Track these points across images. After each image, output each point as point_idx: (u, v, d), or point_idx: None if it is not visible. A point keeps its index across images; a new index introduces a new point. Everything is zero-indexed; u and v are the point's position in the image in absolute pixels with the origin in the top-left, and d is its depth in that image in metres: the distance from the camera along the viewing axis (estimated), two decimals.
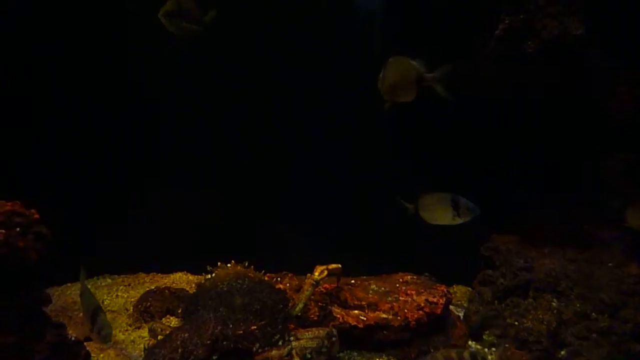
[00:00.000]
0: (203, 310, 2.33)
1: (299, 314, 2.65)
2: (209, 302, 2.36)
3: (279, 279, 2.97)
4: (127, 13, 3.28)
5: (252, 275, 2.55)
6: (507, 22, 3.10)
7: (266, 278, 2.66)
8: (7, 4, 3.52)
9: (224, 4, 3.39)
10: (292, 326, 2.57)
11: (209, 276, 2.55)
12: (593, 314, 2.86)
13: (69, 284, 3.83)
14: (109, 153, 3.84)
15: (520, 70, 3.15)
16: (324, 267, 2.74)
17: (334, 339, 2.48)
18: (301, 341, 2.43)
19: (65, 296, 3.62)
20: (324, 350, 2.43)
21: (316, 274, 2.69)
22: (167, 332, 2.51)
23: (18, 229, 2.18)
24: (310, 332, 2.49)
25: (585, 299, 2.89)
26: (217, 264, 2.62)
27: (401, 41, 3.82)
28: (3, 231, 2.12)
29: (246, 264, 2.62)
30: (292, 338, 2.42)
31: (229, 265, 2.60)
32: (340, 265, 2.83)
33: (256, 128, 3.83)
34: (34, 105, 3.70)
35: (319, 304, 2.83)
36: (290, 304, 2.59)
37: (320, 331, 2.49)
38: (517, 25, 3.08)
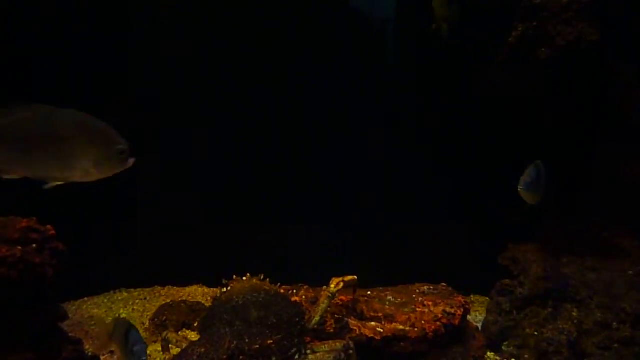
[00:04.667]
0: (219, 324, 2.32)
1: (316, 327, 2.63)
2: (224, 316, 2.35)
3: (294, 291, 2.95)
4: None
5: (268, 288, 2.52)
6: (520, 29, 3.09)
7: (282, 291, 2.64)
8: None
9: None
10: (308, 339, 2.54)
11: (225, 290, 2.53)
12: (614, 323, 2.81)
13: (85, 299, 3.85)
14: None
15: (535, 76, 3.13)
16: (340, 279, 2.72)
17: (350, 351, 2.45)
18: (318, 354, 2.40)
19: (82, 311, 3.63)
20: None
21: (332, 286, 2.66)
22: (181, 342, 2.52)
23: (34, 245, 2.19)
24: (326, 345, 2.46)
25: (606, 309, 2.84)
26: (233, 277, 2.62)
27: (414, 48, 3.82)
28: (19, 248, 2.14)
29: (262, 276, 2.60)
30: (308, 351, 2.40)
31: (244, 278, 2.58)
32: (356, 277, 2.80)
33: (273, 141, 3.84)
34: None
35: (336, 316, 2.80)
36: (306, 317, 2.57)
37: (337, 344, 2.46)
38: (530, 32, 3.06)
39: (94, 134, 2.05)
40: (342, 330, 2.74)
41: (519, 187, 2.85)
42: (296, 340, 2.36)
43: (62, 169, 2.07)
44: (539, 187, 2.89)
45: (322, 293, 2.64)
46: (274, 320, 2.33)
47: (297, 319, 2.42)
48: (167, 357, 2.55)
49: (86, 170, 2.07)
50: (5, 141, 1.98)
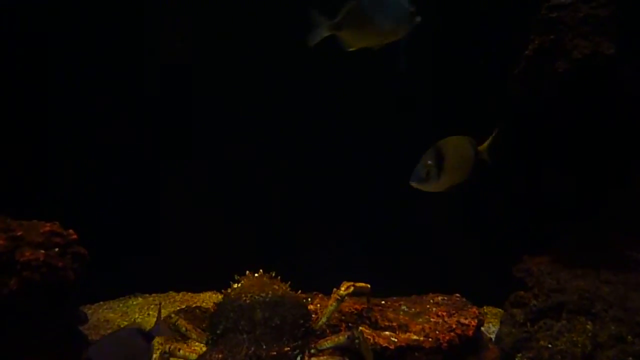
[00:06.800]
0: (225, 322, 2.38)
1: (324, 328, 2.65)
2: (231, 315, 2.40)
3: (309, 299, 2.98)
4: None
5: (277, 287, 2.55)
6: (536, 42, 3.11)
7: (288, 289, 2.66)
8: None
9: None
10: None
11: (236, 286, 2.57)
12: (629, 337, 2.79)
13: (101, 303, 3.89)
14: (140, 172, 3.90)
15: (551, 89, 3.14)
16: (351, 283, 2.74)
17: (357, 341, 2.43)
18: (321, 358, 2.42)
19: (98, 315, 3.67)
20: None
21: (342, 289, 2.69)
22: (190, 331, 2.59)
23: (57, 249, 2.24)
24: (329, 341, 2.47)
25: (620, 322, 2.83)
26: (246, 273, 2.65)
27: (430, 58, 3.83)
28: (43, 251, 2.19)
29: (273, 274, 2.64)
30: (312, 351, 2.43)
31: (256, 274, 2.62)
32: (369, 285, 2.82)
33: (287, 147, 3.86)
34: (66, 127, 3.78)
35: (350, 324, 2.82)
36: (314, 318, 2.59)
37: (341, 337, 2.46)
38: (546, 46, 3.08)
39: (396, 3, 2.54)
40: None
41: (410, 182, 2.68)
42: (299, 342, 2.39)
43: (385, 35, 2.55)
44: (449, 171, 2.69)
45: (332, 296, 2.67)
46: (278, 322, 2.37)
47: (302, 321, 2.45)
48: (171, 346, 2.51)
49: (396, 31, 2.54)
50: (353, 23, 2.47)
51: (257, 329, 2.33)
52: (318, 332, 2.58)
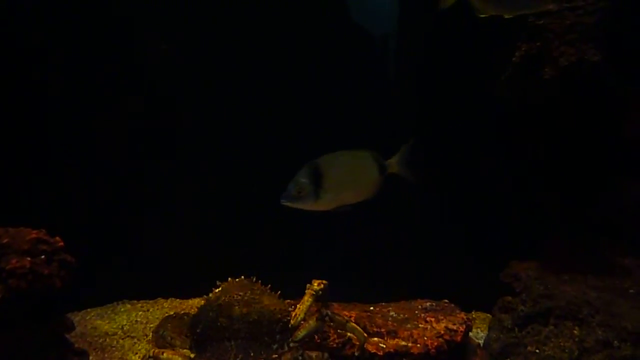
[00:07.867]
0: (205, 320, 2.45)
1: (301, 323, 2.67)
2: (210, 314, 2.47)
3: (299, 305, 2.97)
4: None
5: (256, 288, 2.61)
6: (523, 49, 3.14)
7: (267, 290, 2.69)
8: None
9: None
10: None
11: (217, 290, 2.62)
12: (615, 342, 2.81)
13: (89, 310, 3.86)
14: (128, 177, 3.88)
15: (538, 95, 3.17)
16: (320, 280, 2.78)
17: (326, 317, 2.54)
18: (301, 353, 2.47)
19: (85, 322, 3.64)
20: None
21: (315, 285, 2.73)
22: (174, 339, 2.64)
23: (43, 256, 2.23)
24: (303, 330, 2.54)
25: (607, 327, 2.85)
26: (228, 279, 2.68)
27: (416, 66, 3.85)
28: (28, 259, 2.17)
29: (254, 279, 2.67)
30: (292, 344, 2.49)
31: (237, 280, 2.67)
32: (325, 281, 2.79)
33: (279, 154, 3.86)
34: (51, 132, 3.76)
35: (339, 330, 2.82)
36: (292, 314, 2.63)
37: (311, 322, 2.54)
38: (533, 52, 3.11)
39: None
40: (344, 345, 2.76)
41: (281, 201, 2.52)
42: (278, 337, 2.46)
43: (523, 5, 2.48)
44: (333, 189, 2.52)
45: (307, 292, 2.70)
46: (255, 317, 2.45)
47: (279, 316, 2.52)
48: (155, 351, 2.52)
49: (535, 3, 2.50)
50: None
51: (235, 324, 2.41)
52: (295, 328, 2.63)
